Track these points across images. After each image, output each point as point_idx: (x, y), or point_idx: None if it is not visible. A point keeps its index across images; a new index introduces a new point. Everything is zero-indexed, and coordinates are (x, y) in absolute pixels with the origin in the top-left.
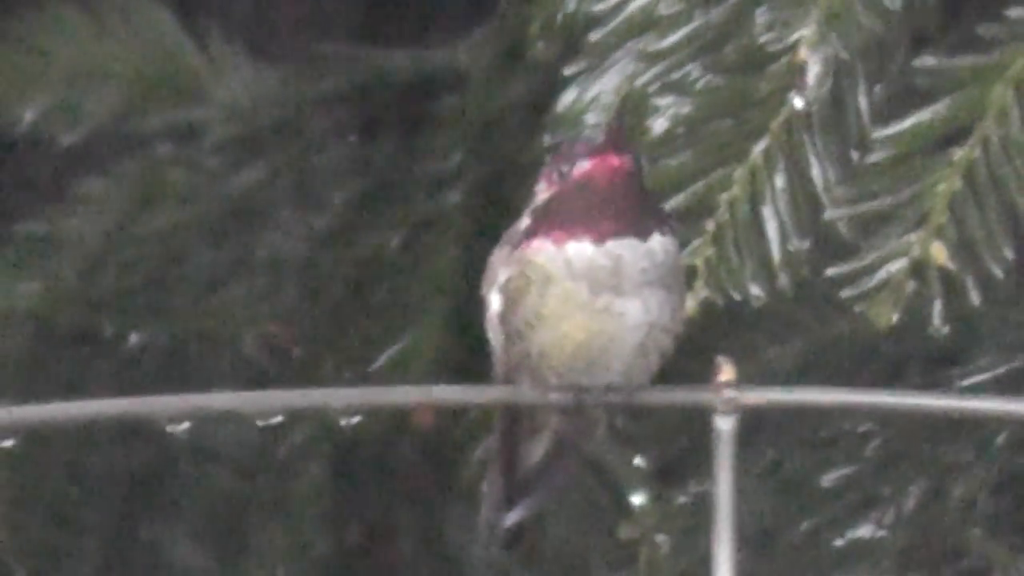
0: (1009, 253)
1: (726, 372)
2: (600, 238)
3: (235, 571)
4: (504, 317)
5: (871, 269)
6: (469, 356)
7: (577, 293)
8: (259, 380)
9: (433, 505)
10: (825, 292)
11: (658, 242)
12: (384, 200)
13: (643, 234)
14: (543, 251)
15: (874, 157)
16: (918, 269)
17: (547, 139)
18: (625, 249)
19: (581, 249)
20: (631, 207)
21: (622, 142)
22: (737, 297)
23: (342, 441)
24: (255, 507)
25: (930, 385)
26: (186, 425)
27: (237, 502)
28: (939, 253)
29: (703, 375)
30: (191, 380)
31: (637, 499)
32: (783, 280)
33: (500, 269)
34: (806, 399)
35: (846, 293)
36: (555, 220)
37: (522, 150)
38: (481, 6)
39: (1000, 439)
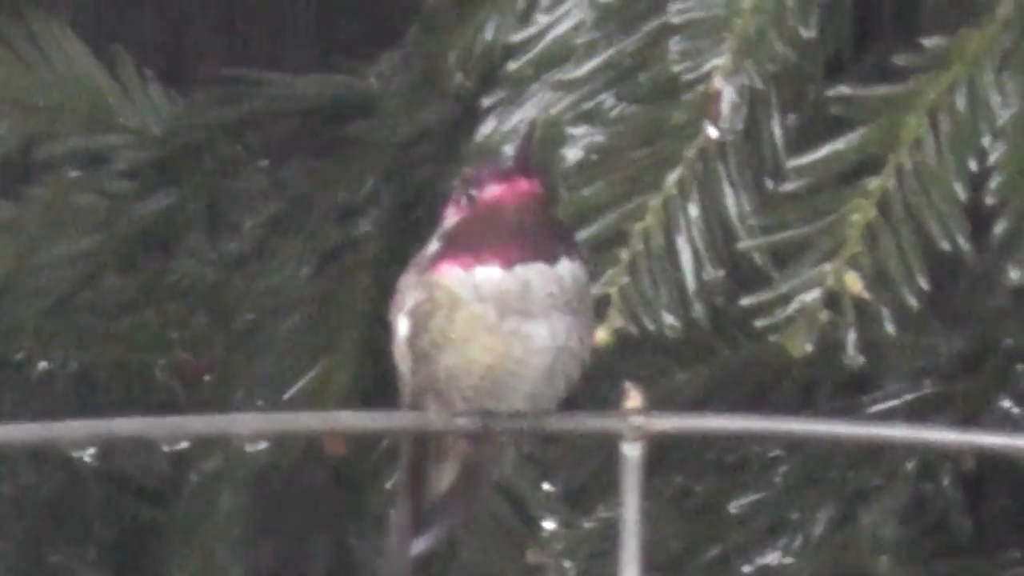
0: (924, 283)
1: (634, 398)
2: (508, 262)
3: None
4: (412, 341)
5: (785, 299)
6: (383, 384)
7: (484, 316)
8: (170, 408)
9: (345, 532)
10: (736, 318)
11: (566, 267)
12: (295, 226)
13: (551, 259)
14: (452, 274)
15: (788, 186)
16: (832, 299)
17: (465, 170)
18: (533, 273)
19: (489, 273)
20: (539, 232)
21: (530, 167)
22: (652, 327)
23: (255, 468)
24: (167, 534)
25: (841, 410)
26: (94, 452)
27: (148, 529)
28: (853, 283)
29: (611, 400)
30: (101, 407)
31: (545, 524)
32: (697, 310)
33: (408, 293)
34: (714, 426)
35: (760, 323)
36: (464, 244)
37: (437, 177)
38: (390, 31)
39: (909, 466)
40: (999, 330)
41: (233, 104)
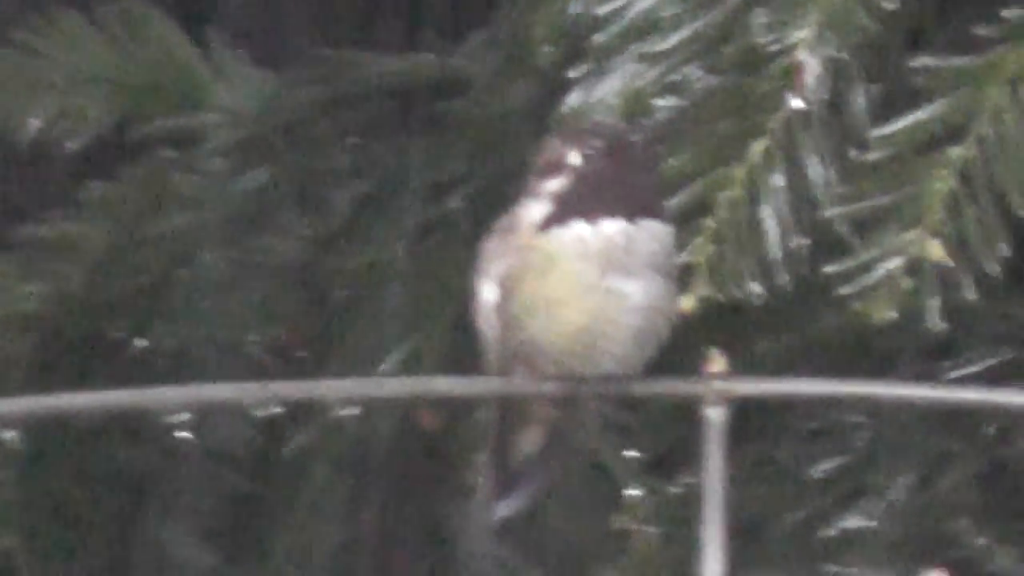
0: (1004, 250)
1: (717, 363)
2: (622, 218)
3: (244, 569)
4: (501, 306)
5: (868, 267)
6: (473, 358)
7: (584, 274)
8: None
9: (438, 503)
10: (819, 286)
11: (666, 228)
12: (387, 203)
13: (656, 217)
14: (561, 234)
15: (871, 156)
16: (915, 267)
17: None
18: (640, 231)
19: (602, 229)
20: (646, 192)
21: (634, 134)
22: (737, 295)
23: (349, 441)
24: (263, 506)
25: (920, 377)
26: (189, 425)
27: (244, 501)
28: (935, 250)
29: (694, 365)
30: (197, 384)
31: (629, 490)
32: (782, 278)
33: (495, 259)
34: (795, 390)
35: (844, 290)
36: (572, 204)
37: (526, 153)
38: (479, 10)
39: (989, 430)
40: None
41: (325, 83)
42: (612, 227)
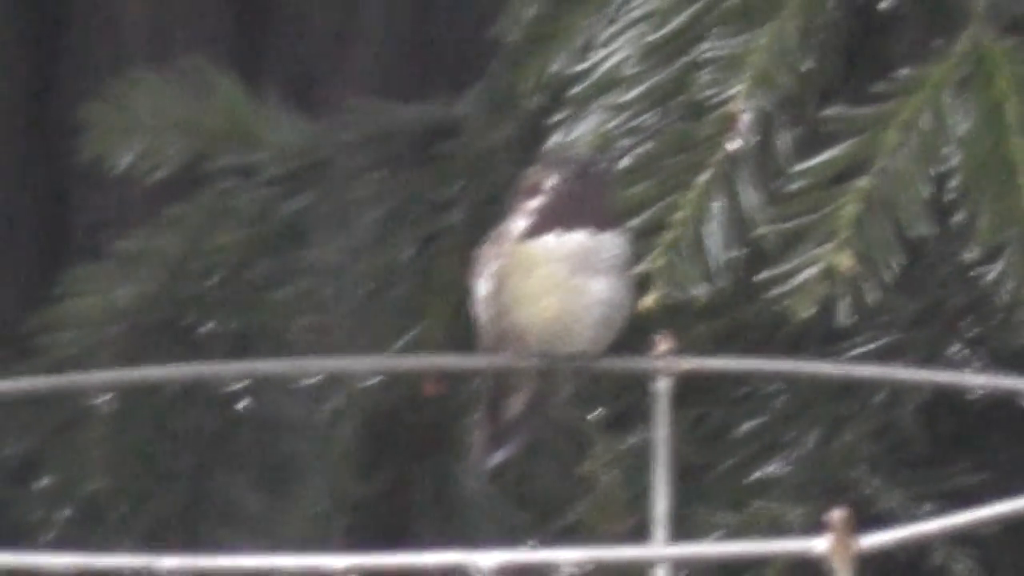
0: (900, 260)
1: (665, 344)
2: (586, 230)
3: (286, 512)
4: (493, 297)
5: (791, 274)
6: (470, 339)
7: (557, 273)
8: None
9: (440, 457)
10: (750, 287)
11: (622, 239)
12: (402, 220)
13: (614, 230)
14: (539, 242)
15: (793, 186)
16: (829, 274)
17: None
18: (602, 240)
19: (571, 238)
20: (606, 209)
21: (600, 165)
22: (685, 296)
23: (370, 406)
24: (302, 461)
25: (824, 354)
26: (246, 394)
27: (288, 457)
28: (846, 261)
29: (647, 346)
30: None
31: (594, 443)
32: (722, 281)
33: (488, 260)
34: (727, 366)
35: (773, 293)
36: (547, 219)
37: (510, 179)
38: (474, 66)
39: (879, 397)
40: (948, 293)
41: (355, 127)
42: (579, 236)
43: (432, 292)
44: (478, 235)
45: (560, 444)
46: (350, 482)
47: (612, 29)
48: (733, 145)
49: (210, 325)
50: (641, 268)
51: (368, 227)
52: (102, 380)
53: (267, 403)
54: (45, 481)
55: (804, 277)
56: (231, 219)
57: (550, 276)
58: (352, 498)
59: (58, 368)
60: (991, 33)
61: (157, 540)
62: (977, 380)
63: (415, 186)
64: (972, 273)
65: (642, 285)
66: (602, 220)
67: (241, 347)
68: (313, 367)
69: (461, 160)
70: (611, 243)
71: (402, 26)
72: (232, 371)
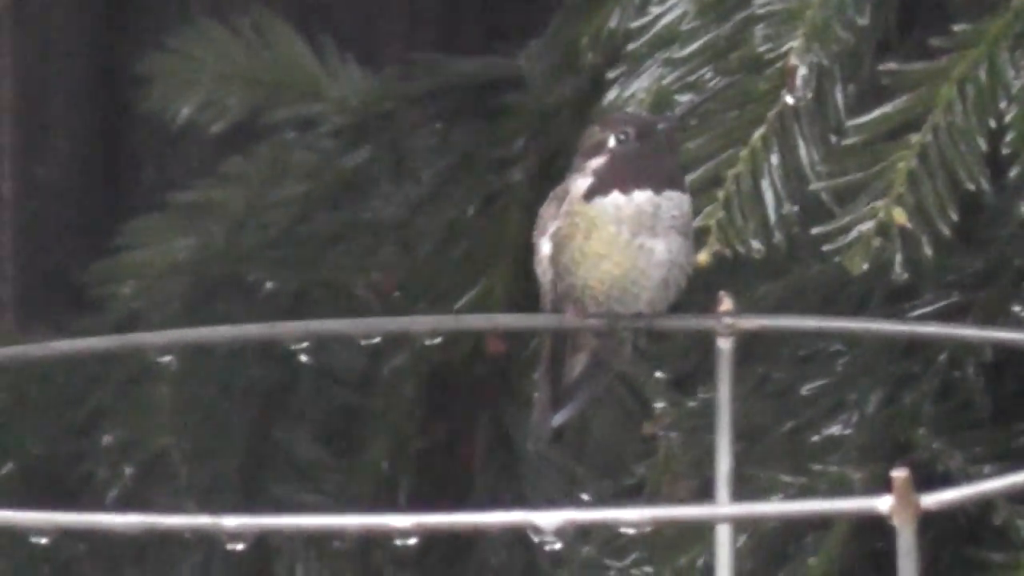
0: (954, 215)
1: (726, 303)
2: (649, 190)
3: (350, 465)
4: (554, 258)
5: (847, 229)
6: (531, 298)
7: (619, 235)
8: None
9: (503, 413)
10: (807, 244)
11: (684, 198)
12: (463, 176)
13: (676, 189)
14: (598, 202)
15: (848, 141)
16: (884, 228)
17: (605, 119)
18: (663, 200)
19: (631, 198)
20: (667, 169)
21: (662, 123)
22: (742, 250)
23: (433, 363)
24: (365, 415)
25: (887, 316)
26: (308, 349)
27: (351, 411)
28: (900, 216)
29: (709, 306)
30: (315, 318)
31: (657, 404)
32: (778, 237)
33: (549, 220)
34: (789, 325)
35: (827, 247)
36: (609, 178)
37: (572, 136)
38: (537, 19)
39: (941, 357)
40: (1011, 252)
41: (414, 80)
42: (641, 197)
43: (494, 249)
44: (541, 192)
45: (622, 404)
46: (412, 437)
47: None
48: (790, 100)
49: (271, 283)
50: (698, 223)
51: (429, 182)
52: (163, 340)
53: (328, 358)
54: (110, 438)
55: (858, 232)
56: (291, 173)
57: (611, 237)
58: (414, 453)
59: (120, 320)
60: None
61: (221, 496)
62: None
63: (477, 141)
64: None
65: (698, 241)
66: (664, 180)
67: (301, 302)
68: (374, 327)
69: (523, 115)
70: (672, 203)
71: None
72: (292, 331)
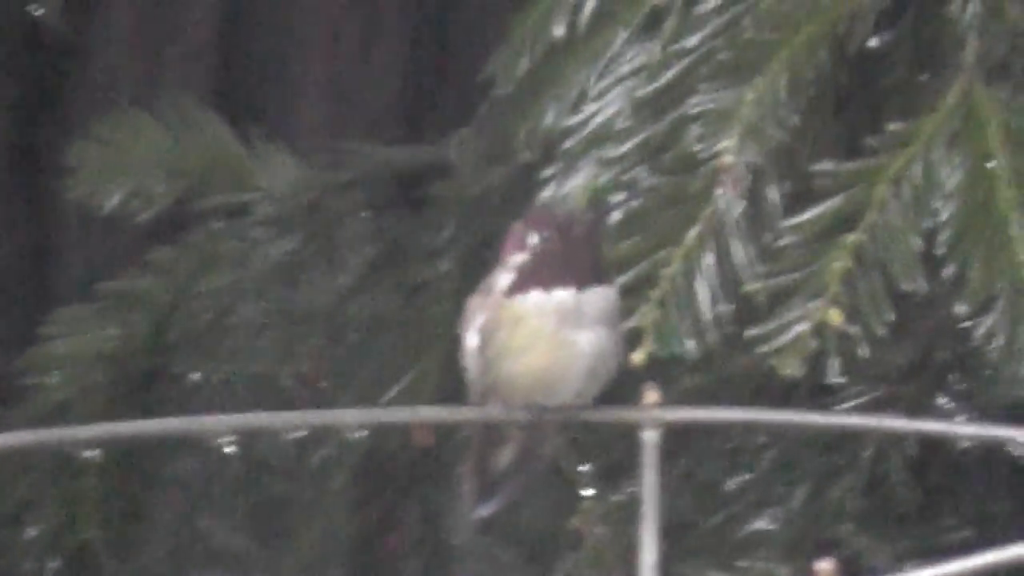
0: (890, 315)
1: (652, 395)
2: (570, 287)
3: (278, 555)
4: (481, 351)
5: (782, 330)
6: (461, 388)
7: (544, 327)
8: (294, 409)
9: (430, 502)
10: (740, 342)
11: (610, 291)
12: (392, 264)
13: (600, 284)
14: (524, 298)
15: (784, 242)
16: (819, 330)
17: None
18: (585, 296)
19: (553, 296)
20: (591, 264)
21: (583, 218)
22: (677, 350)
23: (361, 453)
24: (293, 504)
25: (813, 408)
26: (236, 440)
27: (279, 501)
28: (836, 317)
29: (635, 397)
30: (240, 409)
31: (584, 495)
32: (712, 336)
33: (476, 313)
34: (715, 417)
35: (761, 349)
36: (534, 273)
37: (501, 226)
38: (464, 110)
39: (867, 452)
40: (936, 345)
41: (342, 169)
42: (561, 294)
43: (423, 339)
44: (469, 282)
45: (549, 496)
46: (341, 526)
47: (603, 83)
48: (723, 198)
49: (197, 373)
50: (631, 323)
51: (357, 271)
52: (89, 434)
53: (256, 448)
54: (34, 530)
55: (794, 334)
56: (218, 262)
57: (536, 330)
58: (343, 542)
59: (46, 412)
60: (981, 83)
61: None
62: (966, 429)
63: (405, 230)
64: (962, 326)
65: (633, 340)
66: (585, 276)
67: (229, 393)
68: (300, 421)
69: (451, 204)
70: (595, 298)
71: (392, 68)
72: (220, 425)
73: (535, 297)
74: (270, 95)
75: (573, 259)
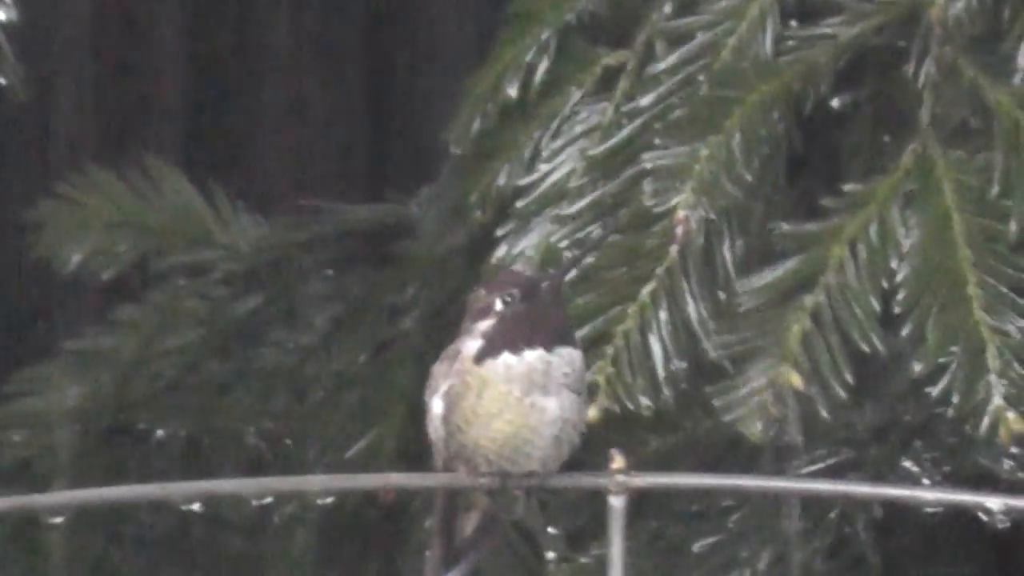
0: (849, 376)
1: (618, 461)
2: (540, 348)
3: None
4: (445, 417)
5: (742, 393)
6: (423, 447)
7: (510, 393)
8: (258, 465)
9: (393, 560)
10: (697, 399)
11: (576, 353)
12: (355, 323)
13: (568, 345)
14: (490, 364)
15: (743, 307)
16: (779, 393)
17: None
18: (555, 357)
19: (524, 357)
20: (558, 325)
21: (548, 282)
22: (631, 407)
23: (323, 512)
24: (256, 562)
25: (778, 471)
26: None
27: (241, 559)
28: (795, 379)
29: (600, 463)
30: (205, 465)
31: (551, 558)
32: (666, 393)
33: (441, 379)
34: (681, 482)
35: (722, 412)
36: (499, 339)
37: (463, 286)
38: (426, 169)
39: (832, 514)
40: (901, 409)
41: (305, 227)
42: (532, 355)
43: (386, 398)
44: (432, 341)
45: (515, 559)
46: None
47: (556, 143)
48: (676, 253)
49: (161, 430)
50: (587, 379)
51: (321, 329)
52: (55, 500)
53: (219, 506)
54: None
55: (754, 398)
56: (182, 320)
57: (502, 396)
58: None
59: (10, 469)
60: (937, 145)
61: None
62: (931, 495)
63: (368, 288)
64: (925, 389)
65: (589, 396)
66: (554, 337)
67: (192, 450)
68: (267, 487)
69: (415, 263)
70: (564, 360)
71: (355, 127)
72: (183, 491)
73: (506, 360)
74: (235, 156)
75: (539, 320)
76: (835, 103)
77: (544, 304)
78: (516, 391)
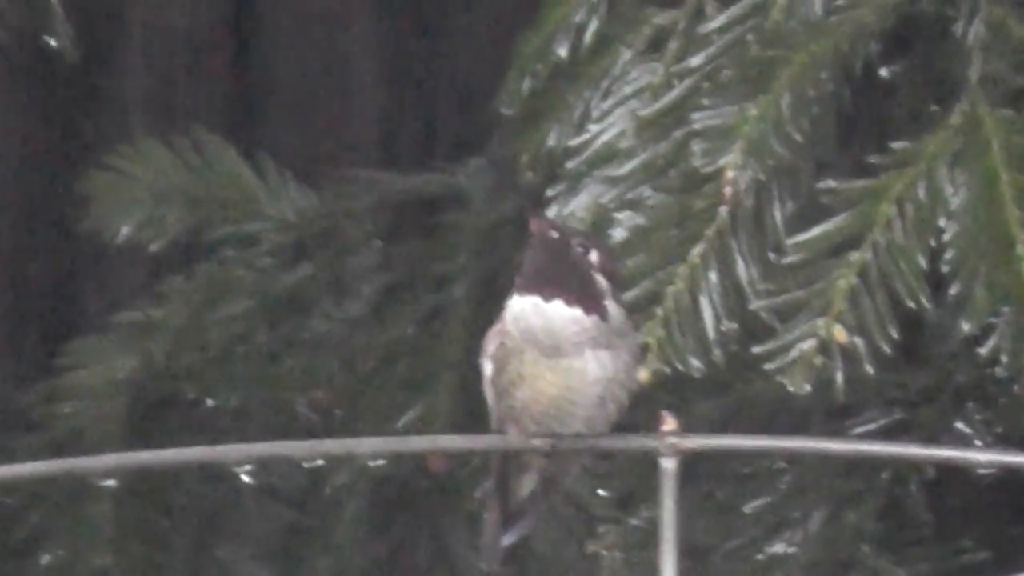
0: (895, 333)
1: (669, 423)
2: (580, 308)
3: None
4: (494, 379)
5: (787, 347)
6: (473, 416)
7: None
8: (309, 435)
9: (444, 530)
10: (747, 361)
11: (622, 315)
12: (404, 292)
13: (611, 309)
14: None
15: (789, 260)
16: (824, 347)
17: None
18: (598, 320)
19: (559, 316)
20: (604, 288)
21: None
22: (682, 368)
23: (374, 480)
24: (307, 533)
25: (829, 432)
26: (250, 469)
27: (292, 529)
28: (840, 334)
29: (652, 424)
30: (255, 435)
31: (601, 522)
32: (717, 354)
33: (490, 342)
34: (732, 444)
35: (768, 366)
36: (538, 289)
37: (513, 253)
38: (477, 137)
39: (885, 475)
40: (953, 369)
41: (354, 197)
42: (563, 314)
43: (436, 367)
44: (480, 310)
45: (567, 522)
46: (354, 554)
47: (606, 104)
48: (725, 214)
49: (211, 400)
50: (638, 341)
51: (370, 299)
52: (105, 464)
53: (270, 477)
54: (49, 557)
55: (799, 350)
56: (231, 291)
57: (536, 360)
58: (356, 570)
59: (61, 440)
60: (985, 104)
61: None
62: (984, 456)
63: (417, 258)
64: (975, 349)
65: (641, 359)
66: (597, 301)
67: (242, 419)
68: (317, 449)
69: (464, 232)
70: (606, 322)
71: (404, 95)
72: (235, 454)
73: (515, 301)
74: (282, 126)
75: (583, 284)
76: (883, 72)
77: (588, 265)
78: (540, 354)
